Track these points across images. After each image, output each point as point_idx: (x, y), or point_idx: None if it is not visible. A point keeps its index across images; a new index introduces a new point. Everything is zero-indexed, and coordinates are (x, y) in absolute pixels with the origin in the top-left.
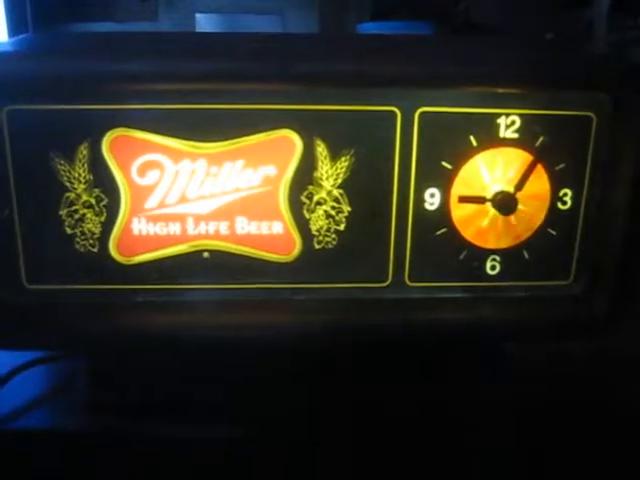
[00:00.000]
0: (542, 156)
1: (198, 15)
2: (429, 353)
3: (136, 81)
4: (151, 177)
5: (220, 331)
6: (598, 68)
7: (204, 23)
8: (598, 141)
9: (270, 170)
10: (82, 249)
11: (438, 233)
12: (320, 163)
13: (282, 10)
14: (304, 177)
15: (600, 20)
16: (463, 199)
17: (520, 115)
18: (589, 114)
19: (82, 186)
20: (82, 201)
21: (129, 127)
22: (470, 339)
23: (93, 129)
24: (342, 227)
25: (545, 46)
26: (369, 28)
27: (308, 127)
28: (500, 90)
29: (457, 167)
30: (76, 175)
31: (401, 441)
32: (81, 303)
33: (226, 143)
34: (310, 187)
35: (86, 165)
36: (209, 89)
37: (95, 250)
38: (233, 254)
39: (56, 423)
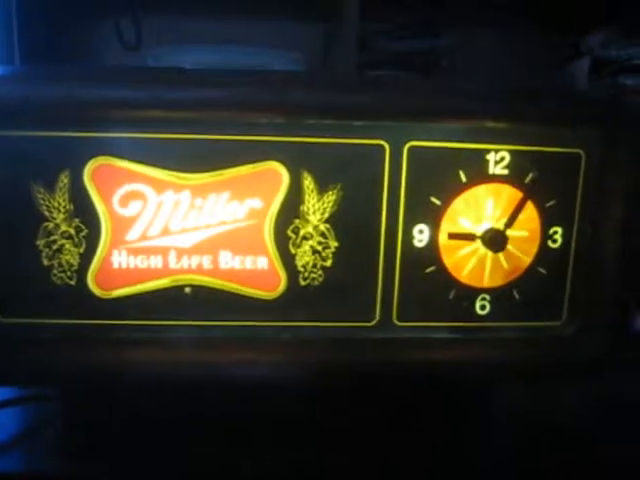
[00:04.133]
0: (532, 193)
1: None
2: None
3: (119, 108)
4: (133, 208)
5: (200, 370)
6: (586, 105)
7: None
8: (587, 178)
9: (256, 203)
10: (59, 282)
11: (427, 271)
12: (307, 196)
13: (272, 67)
14: (290, 210)
15: (582, 77)
16: (453, 236)
17: (509, 151)
18: (578, 151)
19: (61, 216)
20: (61, 231)
21: (111, 156)
22: (459, 380)
23: (74, 157)
24: (329, 263)
25: (535, 84)
26: None
27: (295, 159)
28: (490, 124)
29: (446, 203)
30: (56, 204)
31: None
32: (57, 338)
33: (211, 174)
34: (296, 221)
35: (66, 194)
36: (194, 118)
37: (73, 283)
38: (216, 290)
39: (30, 466)
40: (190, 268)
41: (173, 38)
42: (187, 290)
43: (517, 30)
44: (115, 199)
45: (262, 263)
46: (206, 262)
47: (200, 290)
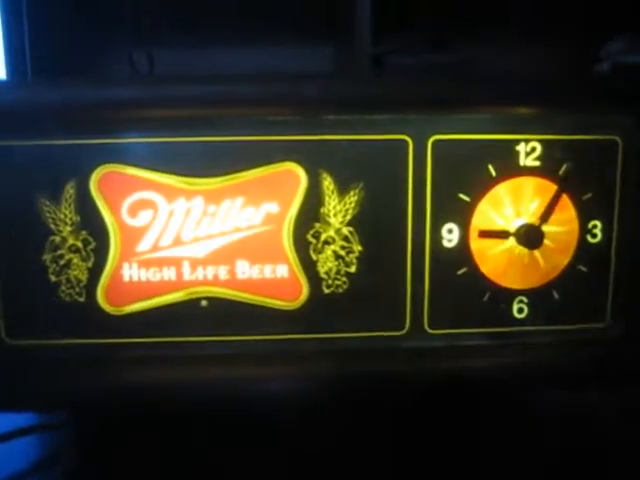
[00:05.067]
0: (567, 185)
1: None
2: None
3: (125, 110)
4: (143, 217)
5: (221, 388)
6: (622, 87)
7: None
8: (626, 166)
9: (272, 207)
10: (67, 298)
11: (459, 273)
12: (327, 198)
13: None
14: (310, 214)
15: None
16: (484, 234)
17: (541, 141)
18: (614, 138)
19: (68, 228)
20: (68, 245)
21: (119, 163)
22: (497, 389)
23: (80, 165)
24: (353, 269)
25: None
26: None
27: (312, 159)
28: (520, 112)
29: (476, 199)
30: (62, 216)
31: None
32: (66, 359)
33: (224, 178)
34: (317, 225)
35: (72, 205)
36: (204, 117)
37: (82, 299)
38: (234, 302)
39: None
40: (206, 279)
41: (185, 70)
42: (203, 303)
43: (533, 41)
44: (124, 209)
45: (282, 271)
46: (222, 272)
47: (217, 302)
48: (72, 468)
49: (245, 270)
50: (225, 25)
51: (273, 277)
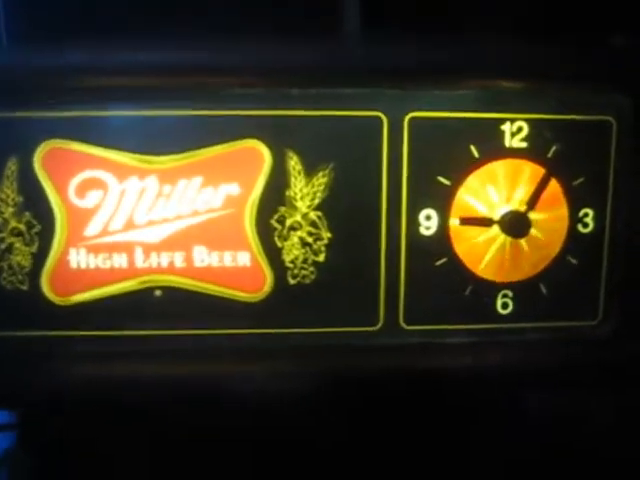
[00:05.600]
0: (556, 169)
1: None
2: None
3: (73, 78)
4: (92, 198)
5: (176, 386)
6: (618, 65)
7: None
8: (621, 149)
9: (233, 189)
10: (9, 286)
11: (437, 264)
12: (293, 180)
13: None
14: (274, 197)
15: None
16: (465, 221)
17: (528, 120)
18: (608, 118)
19: (10, 209)
20: (10, 228)
21: (65, 138)
22: (479, 391)
23: (23, 140)
24: (321, 257)
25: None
26: None
27: (278, 136)
28: (505, 86)
29: (456, 183)
30: (3, 196)
31: None
32: (8, 353)
33: (181, 156)
34: (282, 209)
35: (15, 184)
36: (159, 86)
37: (25, 288)
38: (191, 292)
39: None
40: (160, 267)
41: None
42: (157, 293)
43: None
44: (71, 189)
45: (243, 259)
46: (178, 260)
47: (172, 293)
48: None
49: (203, 257)
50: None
51: (234, 266)
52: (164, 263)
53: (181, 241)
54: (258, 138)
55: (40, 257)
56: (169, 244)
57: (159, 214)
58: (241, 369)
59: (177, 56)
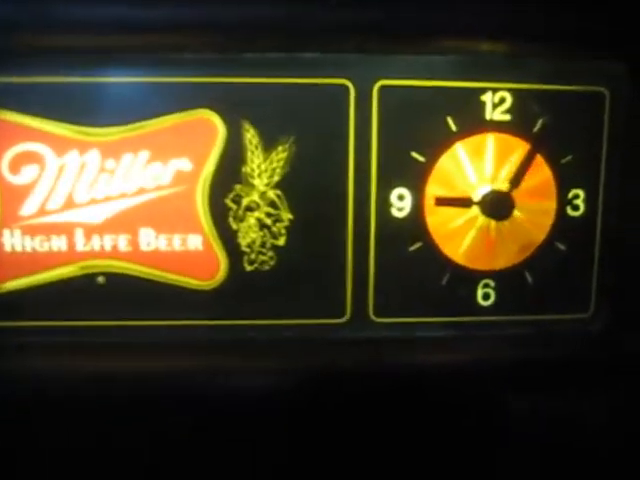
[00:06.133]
0: (542, 144)
1: None
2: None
3: (4, 36)
4: (27, 174)
5: (120, 382)
6: (612, 31)
7: None
8: (614, 123)
9: (184, 164)
10: None
11: (411, 249)
12: (250, 154)
13: None
14: (229, 173)
15: None
16: (442, 201)
17: (511, 90)
18: (601, 88)
19: None
20: None
21: None
22: (455, 390)
23: None
24: (282, 241)
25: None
26: None
27: (232, 106)
28: (485, 49)
29: (432, 159)
30: None
31: None
32: None
33: (125, 128)
34: (237, 187)
35: None
36: (99, 48)
37: None
38: (136, 279)
39: None
40: (103, 251)
41: None
42: (100, 280)
43: None
44: (4, 163)
45: (195, 243)
46: (122, 243)
47: (116, 279)
48: None
49: (150, 240)
50: None
51: (184, 250)
52: (107, 246)
53: (126, 222)
54: (210, 108)
55: None
56: (113, 225)
57: (102, 192)
58: (191, 364)
59: (122, 13)
